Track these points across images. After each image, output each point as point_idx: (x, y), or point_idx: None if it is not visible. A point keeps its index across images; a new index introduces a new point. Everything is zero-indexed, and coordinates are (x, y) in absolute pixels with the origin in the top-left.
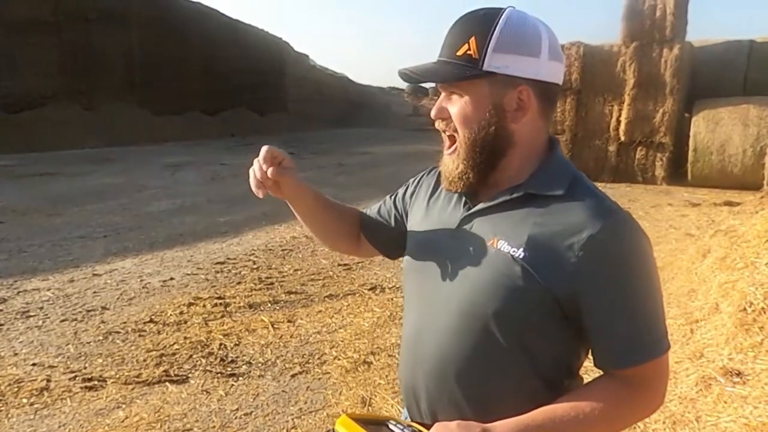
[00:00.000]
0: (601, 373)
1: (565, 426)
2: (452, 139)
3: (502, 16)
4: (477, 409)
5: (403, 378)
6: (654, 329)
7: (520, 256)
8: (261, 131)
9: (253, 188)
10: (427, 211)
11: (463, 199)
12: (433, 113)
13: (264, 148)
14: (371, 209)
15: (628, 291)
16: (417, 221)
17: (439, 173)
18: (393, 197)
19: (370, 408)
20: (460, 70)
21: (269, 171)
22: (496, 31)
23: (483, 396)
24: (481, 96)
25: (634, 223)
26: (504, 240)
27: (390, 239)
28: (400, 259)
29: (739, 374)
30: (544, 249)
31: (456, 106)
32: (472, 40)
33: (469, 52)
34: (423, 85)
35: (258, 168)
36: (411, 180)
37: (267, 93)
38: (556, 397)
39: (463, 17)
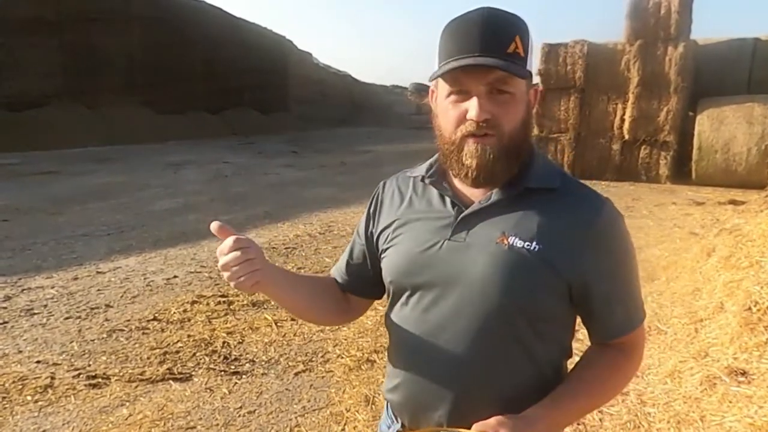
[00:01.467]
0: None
1: (585, 400)
2: (484, 134)
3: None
4: (499, 405)
5: (408, 389)
6: (639, 298)
7: (536, 249)
8: (263, 130)
9: (247, 283)
10: (405, 220)
11: (448, 201)
12: (481, 115)
13: (231, 239)
14: (341, 264)
15: (625, 268)
16: (393, 233)
17: (396, 185)
18: (355, 233)
19: (373, 407)
20: (520, 67)
21: (252, 287)
22: (530, 32)
23: (504, 390)
24: (522, 93)
25: (616, 208)
26: (514, 236)
27: (375, 280)
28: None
29: (744, 374)
30: (556, 240)
31: (506, 104)
32: (518, 39)
33: (517, 50)
34: (423, 83)
35: (239, 261)
36: (368, 205)
37: (269, 92)
38: (560, 379)
39: (493, 15)
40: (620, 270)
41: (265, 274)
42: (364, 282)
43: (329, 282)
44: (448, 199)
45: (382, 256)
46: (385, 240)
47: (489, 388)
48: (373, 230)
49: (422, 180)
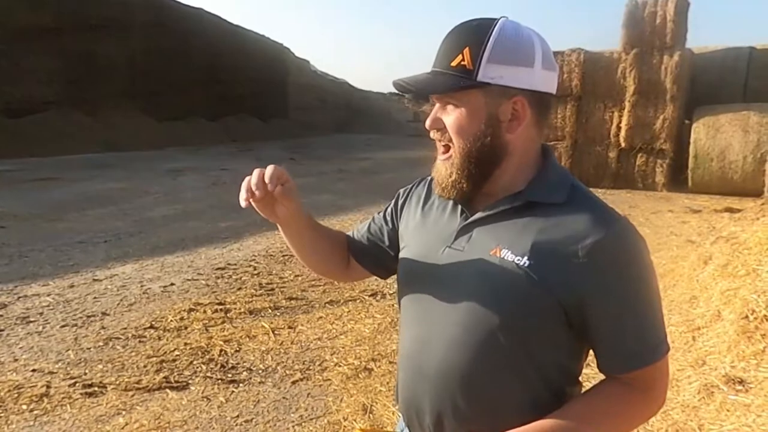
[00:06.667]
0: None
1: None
2: (447, 148)
3: (496, 27)
4: (483, 421)
5: (404, 393)
6: (658, 331)
7: (525, 265)
8: (262, 137)
9: (242, 199)
10: (421, 222)
11: (459, 208)
12: (427, 124)
13: (271, 167)
14: (359, 229)
15: (634, 296)
16: (410, 233)
17: (430, 183)
18: (383, 212)
19: (371, 415)
20: (455, 80)
21: (276, 190)
22: (489, 42)
23: (489, 406)
24: (477, 107)
25: (634, 229)
26: (507, 249)
27: (382, 258)
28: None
29: (741, 382)
30: (549, 256)
31: (451, 116)
32: (466, 50)
33: (463, 62)
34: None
35: (259, 183)
36: (400, 192)
37: (268, 99)
38: (560, 405)
39: (456, 28)
40: (632, 296)
41: (287, 201)
42: (367, 255)
43: (340, 236)
44: (459, 206)
45: (399, 256)
46: (402, 239)
47: (474, 402)
48: (395, 218)
49: None
